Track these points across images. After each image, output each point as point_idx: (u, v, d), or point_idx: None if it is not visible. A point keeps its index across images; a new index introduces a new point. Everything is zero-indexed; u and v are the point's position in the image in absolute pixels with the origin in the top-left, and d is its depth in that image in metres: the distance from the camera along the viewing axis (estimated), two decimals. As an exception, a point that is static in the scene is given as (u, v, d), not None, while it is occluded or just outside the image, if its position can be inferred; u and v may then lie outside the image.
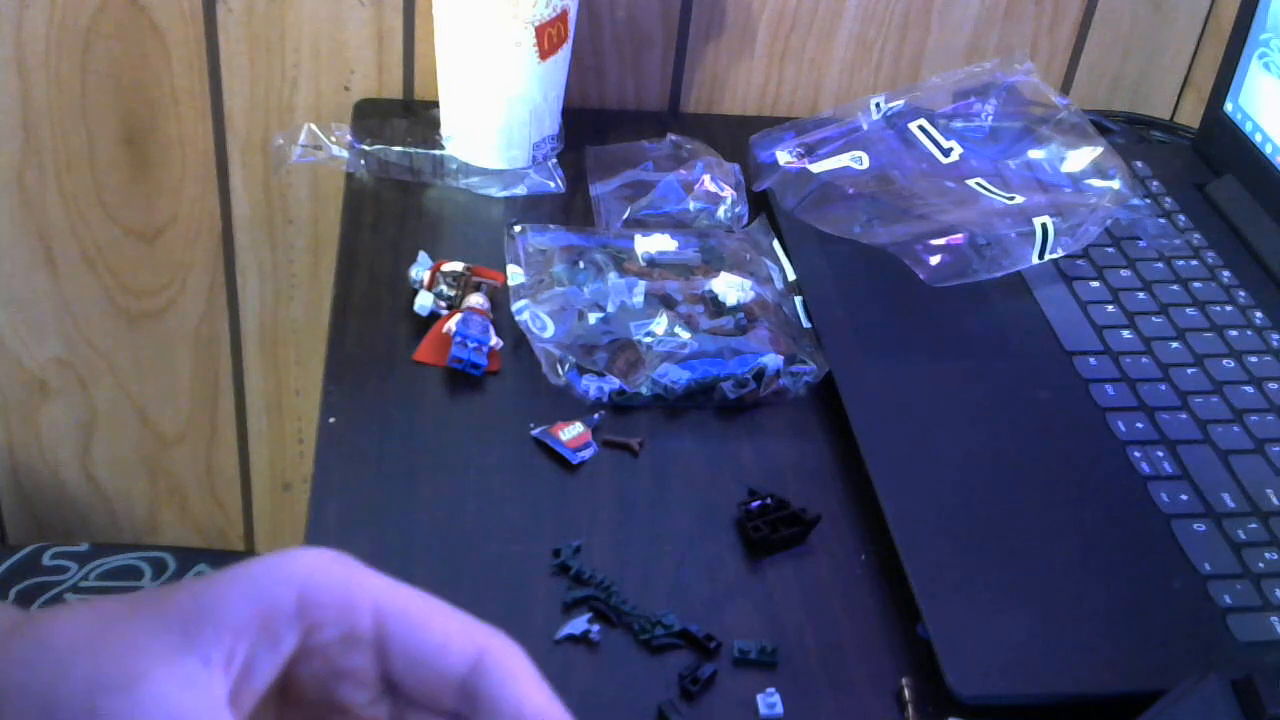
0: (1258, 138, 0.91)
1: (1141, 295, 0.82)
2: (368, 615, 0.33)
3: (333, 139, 0.89)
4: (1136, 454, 0.69)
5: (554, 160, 0.92)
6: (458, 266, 0.77)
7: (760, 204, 0.88)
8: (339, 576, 0.34)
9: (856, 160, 0.88)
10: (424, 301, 0.75)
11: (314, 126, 0.89)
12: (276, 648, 0.32)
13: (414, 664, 0.33)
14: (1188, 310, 0.81)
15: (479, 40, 0.85)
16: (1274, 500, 0.67)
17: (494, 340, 0.72)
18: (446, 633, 0.34)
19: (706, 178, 0.87)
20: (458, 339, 0.71)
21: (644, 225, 0.85)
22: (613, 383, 0.71)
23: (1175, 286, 0.83)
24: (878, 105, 0.91)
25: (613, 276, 0.76)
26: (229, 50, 0.97)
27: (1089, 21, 1.06)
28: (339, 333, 0.75)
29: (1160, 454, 0.69)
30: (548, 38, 0.85)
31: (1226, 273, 0.84)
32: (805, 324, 0.77)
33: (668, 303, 0.75)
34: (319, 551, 0.34)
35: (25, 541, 1.00)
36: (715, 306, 0.76)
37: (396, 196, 0.88)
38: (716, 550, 0.64)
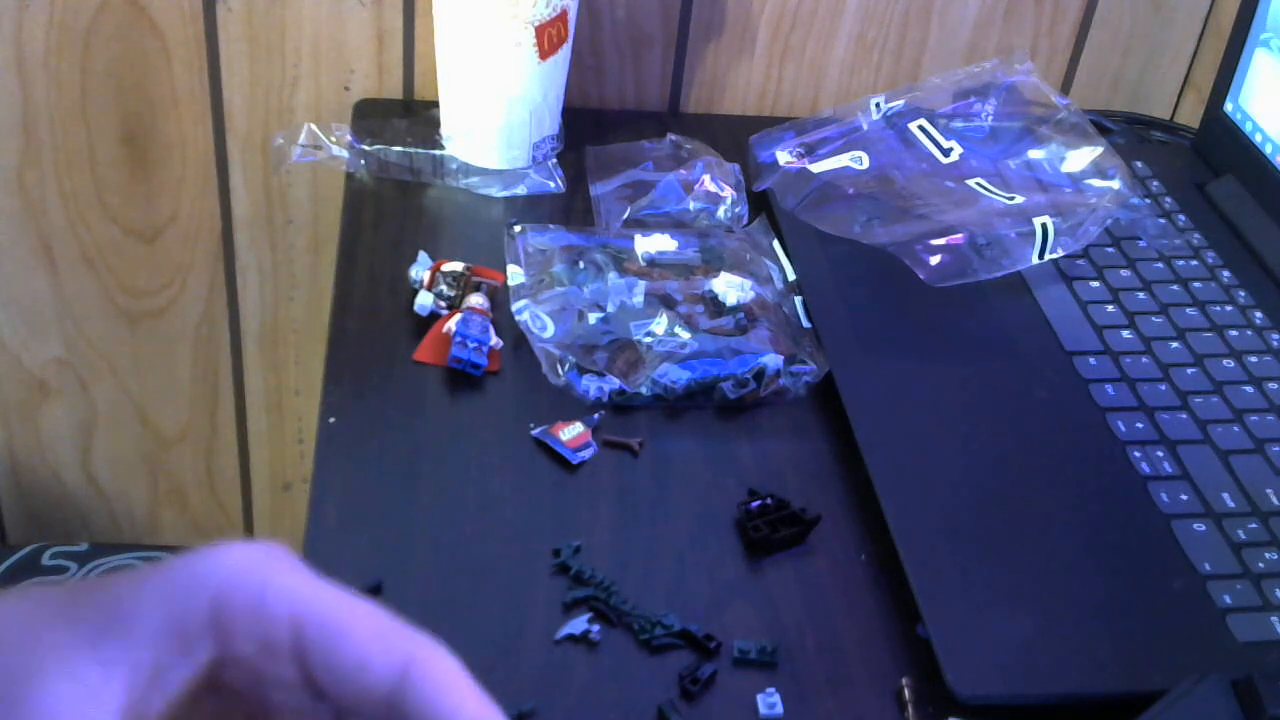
0: (1258, 138, 0.91)
1: (1141, 295, 0.82)
2: (284, 626, 0.32)
3: (333, 139, 0.89)
4: (1136, 454, 0.69)
5: (554, 160, 0.92)
6: (458, 266, 0.77)
7: (760, 204, 0.88)
8: (255, 582, 0.32)
9: (856, 160, 0.88)
10: (424, 301, 0.75)
11: (314, 126, 0.89)
12: (188, 656, 0.32)
13: (335, 677, 0.32)
14: (1188, 310, 0.81)
15: (479, 40, 0.85)
16: (1274, 500, 0.67)
17: (494, 340, 0.72)
18: (367, 645, 0.32)
19: (706, 178, 0.87)
20: (458, 339, 0.71)
21: (644, 225, 0.85)
22: (613, 383, 0.71)
23: (1175, 286, 0.83)
24: (878, 105, 0.91)
25: (613, 276, 0.76)
26: (229, 50, 0.97)
27: (1089, 21, 1.06)
28: (339, 333, 0.75)
29: (1160, 454, 0.69)
30: (548, 38, 0.85)
31: (1226, 273, 0.84)
32: (805, 324, 0.77)
33: (668, 303, 0.75)
34: (240, 551, 0.33)
35: (25, 541, 1.00)
36: (715, 306, 0.76)
37: (396, 196, 0.88)
38: (716, 550, 0.64)
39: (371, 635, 0.32)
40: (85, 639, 0.31)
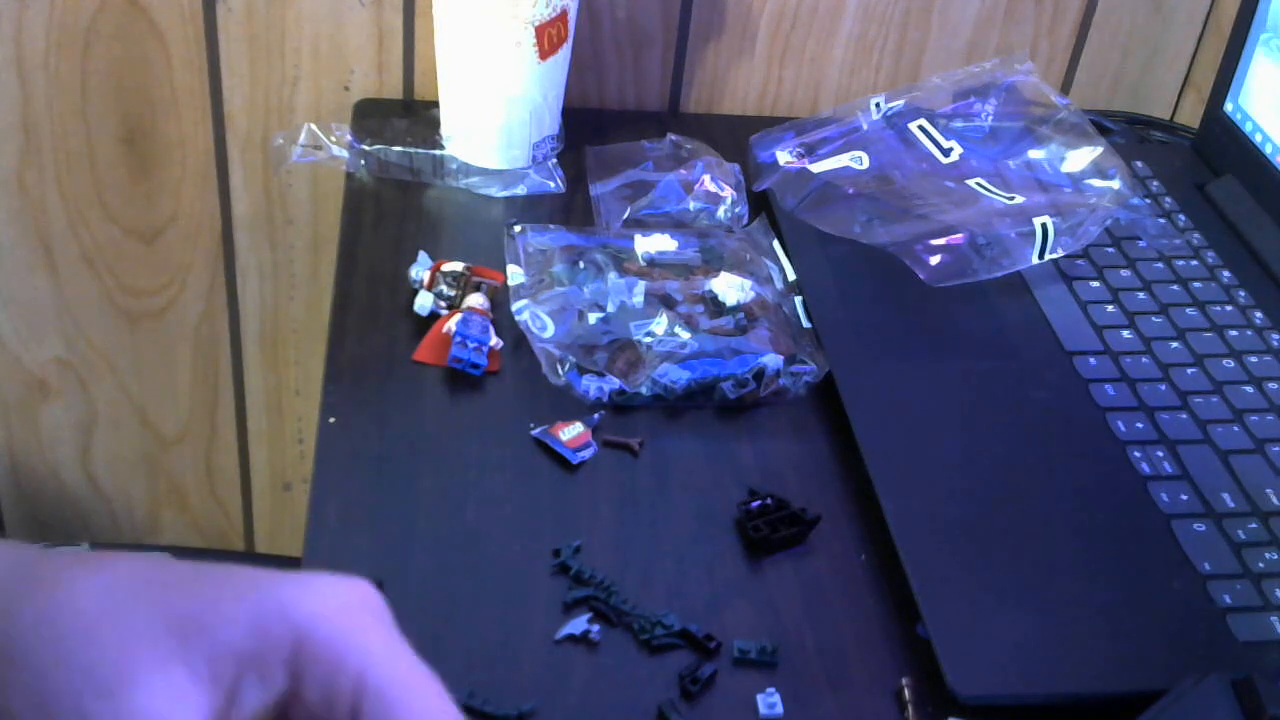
0: (1258, 138, 0.91)
1: (1141, 295, 0.82)
2: (349, 684, 0.32)
3: (333, 139, 0.89)
4: (1136, 454, 0.69)
5: (554, 160, 0.92)
6: (458, 266, 0.77)
7: (760, 204, 0.88)
8: (337, 631, 0.33)
9: (856, 160, 0.88)
10: (424, 301, 0.75)
11: (314, 126, 0.89)
12: (266, 682, 0.32)
13: None
14: (1188, 310, 0.81)
15: (479, 40, 0.85)
16: (1274, 500, 0.67)
17: (494, 340, 0.72)
18: None
19: (706, 178, 0.87)
20: (458, 339, 0.71)
21: (644, 225, 0.85)
22: (613, 383, 0.71)
23: (1175, 286, 0.83)
24: (878, 105, 0.91)
25: (613, 276, 0.76)
26: (229, 50, 0.97)
27: (1089, 21, 1.06)
28: (339, 333, 0.75)
29: (1160, 454, 0.69)
30: (548, 38, 0.85)
31: (1226, 273, 0.84)
32: (805, 324, 0.77)
33: (668, 303, 0.75)
34: (333, 590, 0.33)
35: (25, 541, 1.00)
36: (715, 306, 0.76)
37: (396, 196, 0.88)
38: (716, 550, 0.64)
39: (425, 713, 0.33)
40: (176, 641, 0.31)
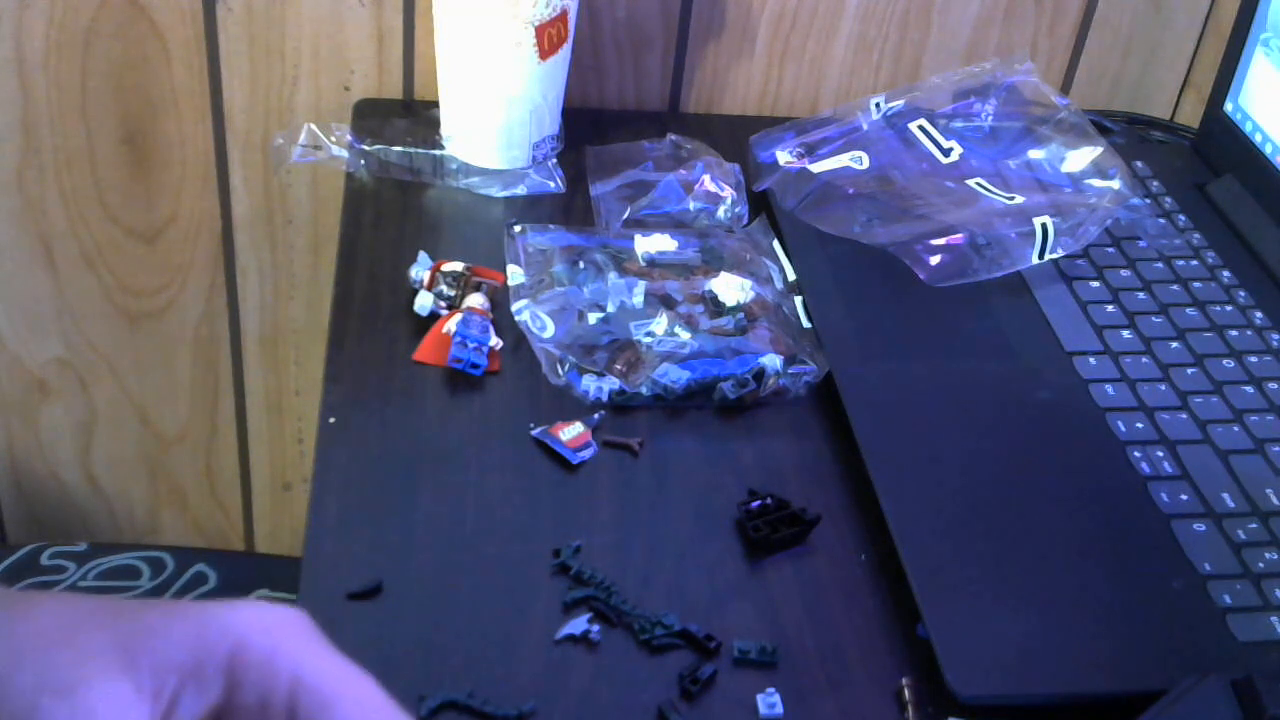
0: (1258, 138, 0.91)
1: (1141, 295, 0.82)
2: (284, 684, 0.34)
3: (333, 139, 0.89)
4: (1136, 454, 0.69)
5: (554, 160, 0.92)
6: (458, 266, 0.77)
7: (760, 204, 0.88)
8: (270, 640, 0.35)
9: (856, 160, 0.88)
10: (424, 301, 0.75)
11: (314, 126, 0.89)
12: (203, 692, 0.34)
13: None
14: (1188, 310, 0.81)
15: (479, 40, 0.85)
16: (1274, 500, 0.67)
17: (494, 340, 0.72)
18: (351, 717, 0.34)
19: (706, 178, 0.87)
20: (458, 339, 0.71)
21: (644, 225, 0.85)
22: (613, 383, 0.71)
23: (1175, 286, 0.83)
24: (878, 105, 0.91)
25: (613, 276, 0.76)
26: (229, 50, 0.97)
27: (1089, 21, 1.06)
28: (339, 333, 0.75)
29: (1160, 454, 0.69)
30: (548, 38, 0.85)
31: (1226, 273, 0.84)
32: (805, 324, 0.77)
33: (668, 303, 0.75)
34: (264, 610, 0.35)
35: (25, 541, 1.00)
36: (715, 306, 0.76)
37: (396, 196, 0.88)
38: (716, 550, 0.64)
39: (358, 709, 0.35)
40: (121, 655, 0.34)
